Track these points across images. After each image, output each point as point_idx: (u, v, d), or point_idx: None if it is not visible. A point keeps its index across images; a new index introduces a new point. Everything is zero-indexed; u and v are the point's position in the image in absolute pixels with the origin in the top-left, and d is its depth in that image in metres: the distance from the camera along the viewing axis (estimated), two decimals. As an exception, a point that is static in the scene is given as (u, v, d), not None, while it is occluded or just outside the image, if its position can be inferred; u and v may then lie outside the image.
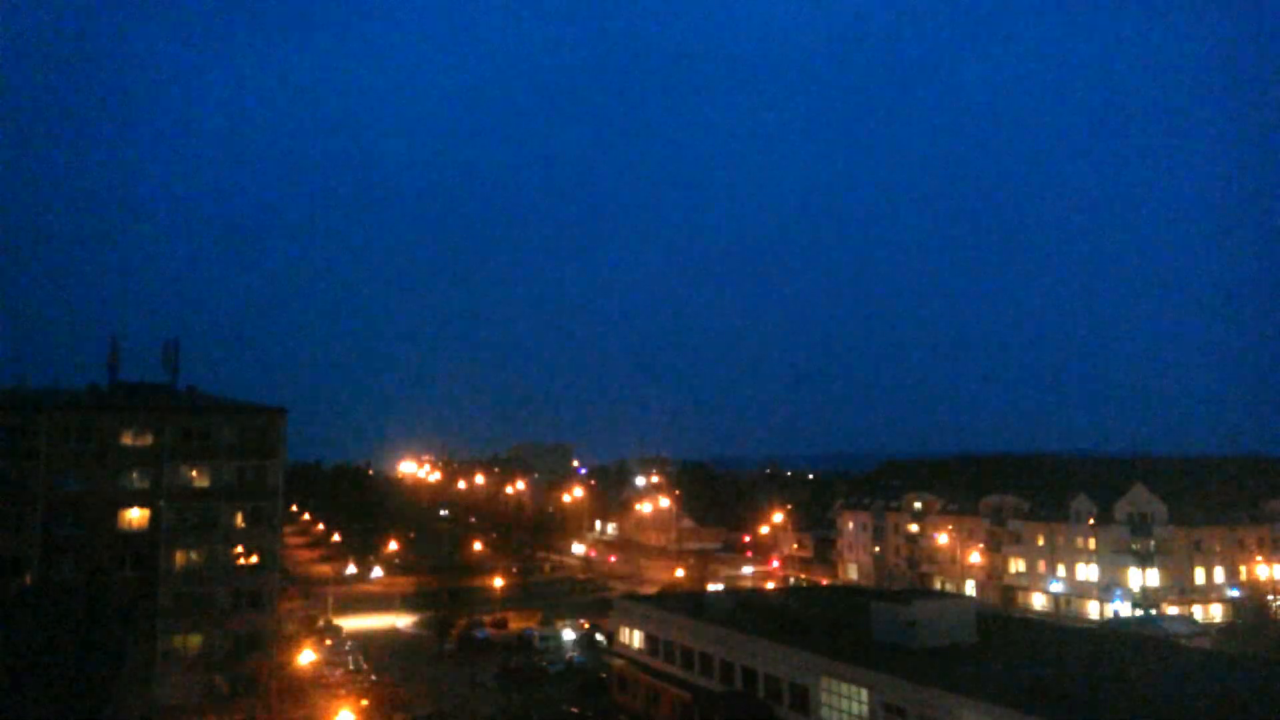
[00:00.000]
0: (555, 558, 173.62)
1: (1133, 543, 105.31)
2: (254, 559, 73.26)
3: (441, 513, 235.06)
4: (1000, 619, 73.78)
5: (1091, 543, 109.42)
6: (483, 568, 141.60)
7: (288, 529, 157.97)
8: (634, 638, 74.70)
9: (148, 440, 70.54)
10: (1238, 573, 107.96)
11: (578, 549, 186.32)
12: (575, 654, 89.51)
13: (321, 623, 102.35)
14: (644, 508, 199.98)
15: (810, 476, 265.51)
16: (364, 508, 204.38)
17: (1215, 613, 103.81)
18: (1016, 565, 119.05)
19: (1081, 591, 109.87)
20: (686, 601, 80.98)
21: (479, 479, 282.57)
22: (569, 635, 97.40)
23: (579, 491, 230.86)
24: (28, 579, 63.85)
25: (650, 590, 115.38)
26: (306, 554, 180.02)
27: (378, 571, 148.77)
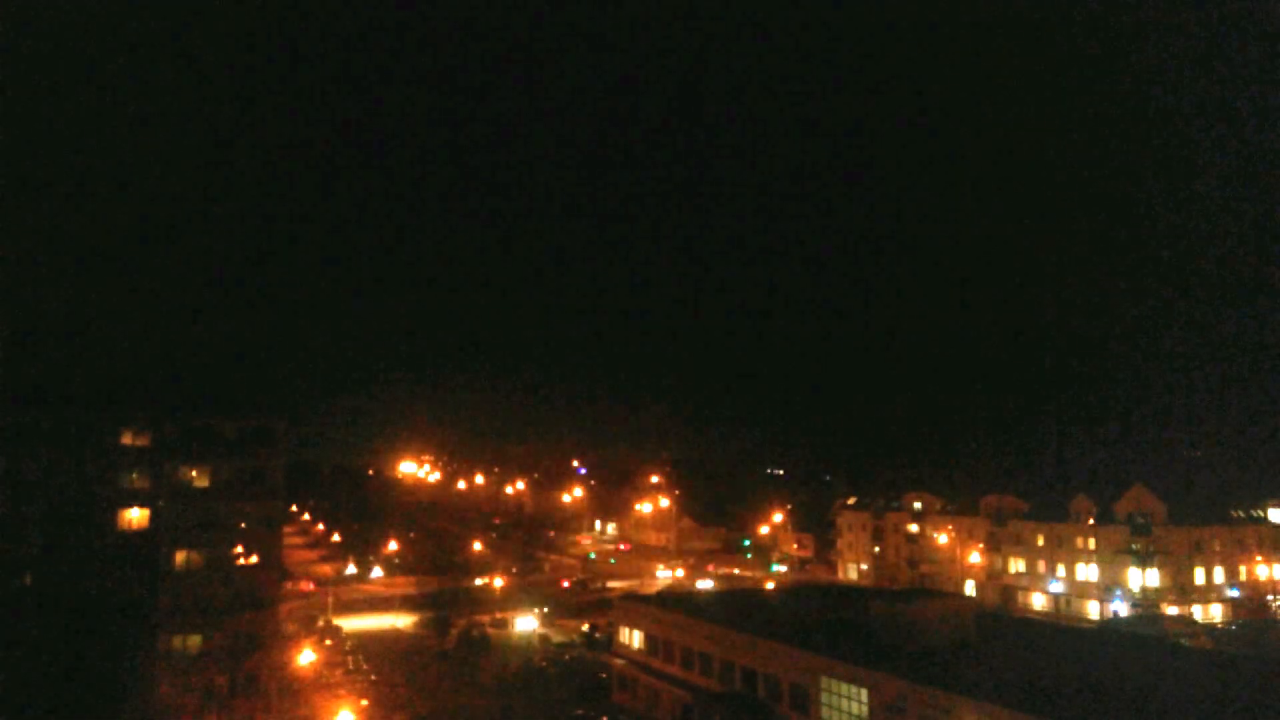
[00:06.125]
0: (555, 558, 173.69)
1: (1133, 543, 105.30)
2: (254, 559, 73.34)
3: (441, 512, 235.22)
4: (1000, 619, 73.82)
5: (1091, 543, 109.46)
6: (483, 568, 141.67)
7: (288, 529, 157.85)
8: (634, 638, 74.69)
9: (148, 440, 70.62)
10: (1237, 573, 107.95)
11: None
12: (575, 654, 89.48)
13: (321, 623, 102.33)
14: (644, 507, 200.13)
15: (808, 476, 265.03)
16: (364, 508, 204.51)
17: (1215, 613, 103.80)
18: (1016, 565, 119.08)
19: (1081, 591, 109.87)
20: (686, 601, 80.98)
21: (479, 479, 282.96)
22: (568, 635, 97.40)
23: (579, 491, 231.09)
24: (28, 579, 63.89)
25: (650, 590, 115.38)
26: (306, 554, 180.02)
27: (378, 571, 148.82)
